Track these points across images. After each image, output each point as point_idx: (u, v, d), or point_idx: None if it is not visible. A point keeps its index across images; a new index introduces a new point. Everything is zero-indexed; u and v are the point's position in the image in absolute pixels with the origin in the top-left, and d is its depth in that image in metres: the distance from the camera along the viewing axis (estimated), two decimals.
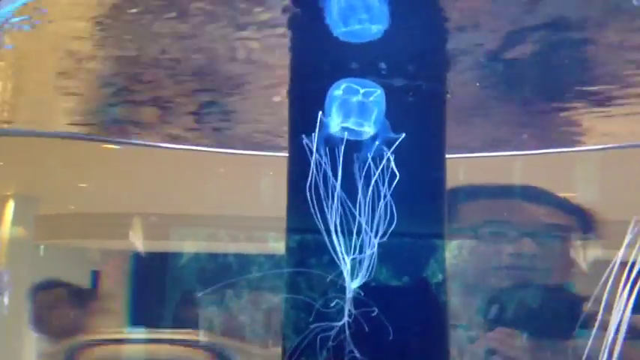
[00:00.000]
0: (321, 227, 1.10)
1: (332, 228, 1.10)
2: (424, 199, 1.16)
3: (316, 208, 1.11)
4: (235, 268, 3.22)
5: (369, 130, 1.10)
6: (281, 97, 1.60)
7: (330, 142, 1.12)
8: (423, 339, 1.13)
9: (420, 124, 1.16)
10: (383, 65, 1.16)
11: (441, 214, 1.21)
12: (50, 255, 3.12)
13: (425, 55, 1.21)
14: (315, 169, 1.11)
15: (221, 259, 3.22)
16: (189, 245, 3.22)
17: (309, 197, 1.18)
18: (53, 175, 2.57)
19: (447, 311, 1.19)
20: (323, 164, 1.11)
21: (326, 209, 1.11)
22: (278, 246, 3.12)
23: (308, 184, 1.12)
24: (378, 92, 1.09)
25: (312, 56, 1.24)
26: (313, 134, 1.11)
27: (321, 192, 1.11)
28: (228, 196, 2.76)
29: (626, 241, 1.04)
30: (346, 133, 1.11)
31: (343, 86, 1.10)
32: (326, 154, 1.11)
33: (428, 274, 1.15)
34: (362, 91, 1.10)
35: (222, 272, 3.23)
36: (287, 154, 1.30)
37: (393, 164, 1.09)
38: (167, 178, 2.63)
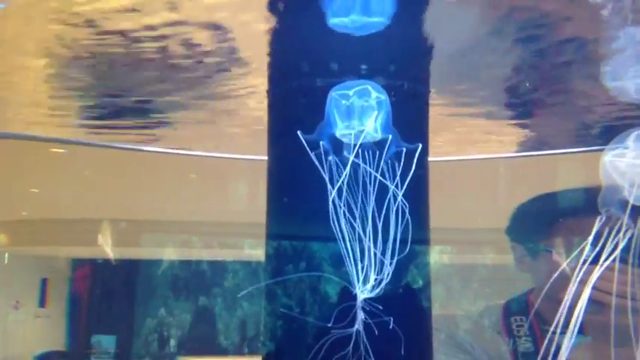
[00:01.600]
0: (337, 235, 1.08)
1: (341, 234, 1.08)
2: (406, 203, 1.14)
3: (320, 214, 1.10)
4: (209, 276, 3.18)
5: (374, 133, 1.08)
6: (257, 100, 1.58)
7: (333, 146, 1.10)
8: (405, 344, 1.11)
9: (402, 124, 1.14)
10: (364, 65, 1.15)
11: (423, 218, 1.19)
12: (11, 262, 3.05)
13: (407, 56, 1.20)
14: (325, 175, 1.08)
15: (194, 266, 3.18)
16: (160, 252, 3.17)
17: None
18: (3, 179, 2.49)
19: (429, 317, 1.18)
20: (326, 169, 1.09)
21: (334, 216, 1.09)
22: (254, 253, 3.11)
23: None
24: (376, 92, 1.08)
25: (291, 56, 1.22)
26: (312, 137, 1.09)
27: (330, 198, 1.09)
28: (202, 201, 2.72)
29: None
30: (350, 137, 1.09)
31: (352, 91, 1.08)
32: (329, 159, 1.09)
33: (408, 281, 1.14)
34: (351, 92, 1.08)
35: (196, 280, 3.19)
36: (266, 158, 1.28)
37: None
38: (137, 183, 2.58)
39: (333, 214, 1.09)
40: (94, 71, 1.45)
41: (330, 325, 1.10)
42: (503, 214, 1.68)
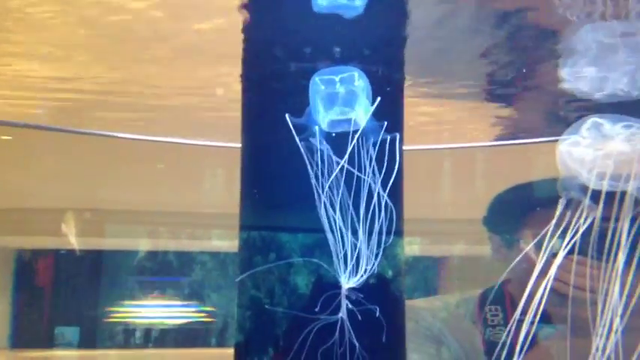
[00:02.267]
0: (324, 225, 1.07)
1: (327, 225, 1.07)
2: (383, 193, 1.14)
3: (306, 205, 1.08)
4: (176, 266, 3.15)
5: (358, 117, 1.07)
6: (224, 88, 1.55)
7: (320, 136, 1.08)
8: (377, 335, 1.11)
9: (376, 110, 1.14)
10: (337, 50, 1.14)
11: (396, 208, 1.19)
12: None
13: (382, 41, 1.19)
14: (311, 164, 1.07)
15: (160, 257, 3.14)
16: (126, 243, 3.12)
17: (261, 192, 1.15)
18: None
19: (401, 307, 1.17)
20: (314, 159, 1.07)
21: (320, 205, 1.08)
22: (223, 244, 3.08)
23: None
24: (356, 75, 1.06)
25: (265, 41, 1.20)
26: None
27: (315, 187, 1.08)
28: (170, 191, 2.68)
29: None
30: (335, 124, 1.07)
31: (322, 78, 1.07)
32: (317, 148, 1.08)
33: (378, 271, 1.14)
34: (337, 78, 1.07)
35: (162, 270, 3.15)
36: (239, 146, 1.26)
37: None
38: (102, 171, 2.53)
39: (318, 204, 1.08)
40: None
41: (301, 315, 1.09)
42: (481, 204, 1.69)
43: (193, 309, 3.21)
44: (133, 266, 3.17)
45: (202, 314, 3.18)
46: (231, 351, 1.21)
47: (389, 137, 1.08)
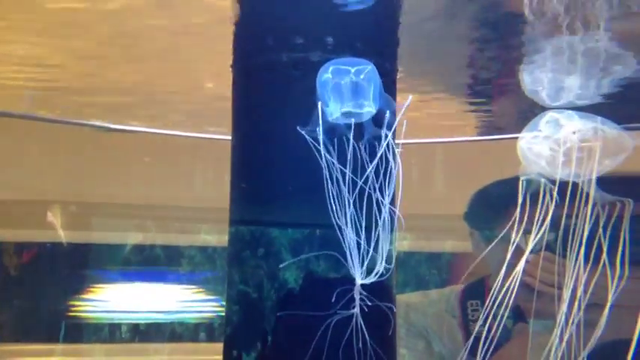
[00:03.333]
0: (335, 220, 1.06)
1: (338, 220, 1.07)
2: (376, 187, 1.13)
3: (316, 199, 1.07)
4: (164, 261, 3.13)
5: (369, 109, 1.06)
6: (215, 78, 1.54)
7: (330, 130, 1.07)
8: (366, 331, 1.11)
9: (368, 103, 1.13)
10: (330, 40, 1.13)
11: (389, 204, 1.18)
12: None
13: (374, 32, 1.18)
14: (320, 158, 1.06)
15: (148, 251, 3.12)
16: (113, 236, 3.10)
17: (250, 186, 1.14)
18: None
19: (393, 302, 1.17)
20: (325, 153, 1.06)
21: (332, 201, 1.07)
22: (210, 238, 3.07)
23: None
24: (369, 68, 1.05)
25: (256, 30, 1.19)
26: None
27: (328, 184, 1.07)
28: (157, 184, 2.66)
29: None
30: (347, 117, 1.06)
31: (331, 69, 1.06)
32: (329, 143, 1.07)
33: (368, 267, 1.13)
34: (353, 70, 1.06)
35: (149, 265, 3.14)
36: (230, 139, 1.24)
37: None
38: (88, 163, 2.51)
39: (330, 200, 1.07)
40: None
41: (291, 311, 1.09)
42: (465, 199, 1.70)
43: (182, 303, 3.20)
44: (120, 260, 3.15)
45: (192, 308, 3.17)
46: (220, 345, 1.21)
47: (382, 131, 1.08)
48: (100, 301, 3.14)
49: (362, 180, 1.07)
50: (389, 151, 1.08)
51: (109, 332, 3.19)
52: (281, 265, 1.12)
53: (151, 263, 3.12)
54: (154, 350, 3.21)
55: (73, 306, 3.08)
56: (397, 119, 1.07)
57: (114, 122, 2.06)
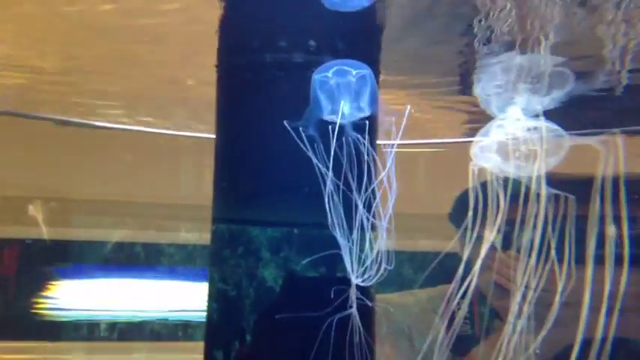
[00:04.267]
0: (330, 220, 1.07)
1: (331, 221, 1.07)
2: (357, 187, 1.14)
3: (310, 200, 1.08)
4: (143, 259, 3.11)
5: (363, 111, 1.07)
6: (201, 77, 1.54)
7: (321, 129, 1.08)
8: (344, 329, 1.12)
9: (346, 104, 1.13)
10: (312, 42, 1.14)
11: (370, 203, 1.19)
12: None
13: (357, 35, 1.19)
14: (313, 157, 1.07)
15: (127, 249, 3.10)
16: (93, 233, 3.08)
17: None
18: None
19: (371, 302, 1.18)
20: (310, 153, 1.07)
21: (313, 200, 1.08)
22: (189, 236, 3.06)
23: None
24: (366, 72, 1.07)
25: (240, 32, 1.19)
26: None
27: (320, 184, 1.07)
28: (138, 182, 2.65)
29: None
30: (339, 117, 1.08)
31: (328, 69, 1.06)
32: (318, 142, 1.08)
33: (345, 265, 1.14)
34: (354, 72, 1.07)
35: (129, 263, 3.12)
36: (213, 137, 1.24)
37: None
38: (69, 160, 2.49)
39: (328, 201, 1.07)
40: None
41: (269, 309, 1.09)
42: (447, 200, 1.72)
43: (162, 301, 3.18)
44: (100, 257, 3.13)
45: (172, 306, 3.16)
46: (199, 344, 1.21)
47: (366, 132, 1.09)
48: (78, 299, 3.11)
49: (343, 180, 1.08)
50: (374, 152, 1.09)
51: (87, 330, 3.17)
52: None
53: (131, 261, 3.10)
54: (133, 349, 3.19)
55: (51, 303, 3.06)
56: (392, 122, 1.09)
57: (96, 119, 2.05)
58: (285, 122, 1.08)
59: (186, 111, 1.86)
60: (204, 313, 1.21)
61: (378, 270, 1.10)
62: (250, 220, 1.15)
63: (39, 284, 3.08)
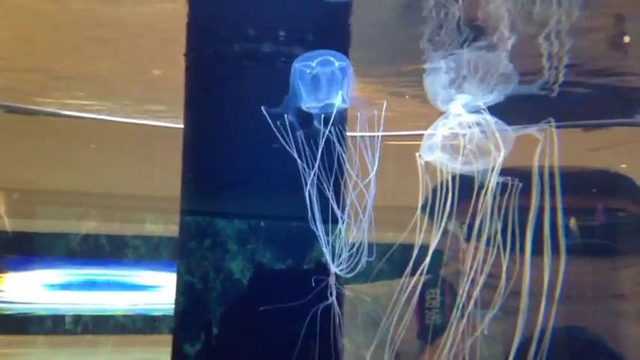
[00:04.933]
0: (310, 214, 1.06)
1: (309, 213, 1.07)
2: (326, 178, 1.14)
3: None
4: (108, 251, 3.07)
5: (340, 102, 1.07)
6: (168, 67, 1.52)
7: (299, 118, 1.07)
8: (310, 320, 1.12)
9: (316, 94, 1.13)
10: (281, 32, 1.12)
11: (336, 196, 1.19)
12: None
13: (326, 25, 1.18)
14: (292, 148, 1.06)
15: (92, 240, 3.06)
16: (57, 225, 3.03)
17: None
18: None
19: (339, 292, 1.18)
20: (292, 143, 1.06)
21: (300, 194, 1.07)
22: (155, 228, 3.03)
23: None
24: (339, 61, 1.06)
25: (209, 21, 1.18)
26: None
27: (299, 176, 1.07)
28: (103, 172, 2.60)
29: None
30: (317, 108, 1.07)
31: (318, 59, 1.06)
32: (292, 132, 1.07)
33: (313, 257, 1.14)
34: (337, 63, 1.06)
35: (93, 254, 3.08)
36: (181, 127, 1.23)
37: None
38: (32, 150, 2.43)
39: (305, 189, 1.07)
40: None
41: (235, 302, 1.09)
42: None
43: (127, 294, 3.15)
44: (64, 249, 3.08)
45: (137, 300, 3.13)
46: (165, 337, 1.20)
47: (335, 123, 1.09)
48: (42, 291, 3.06)
49: (314, 171, 1.08)
50: (344, 143, 1.09)
51: (52, 324, 3.12)
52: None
53: (96, 253, 3.06)
54: (98, 342, 3.16)
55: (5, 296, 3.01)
56: (368, 114, 1.09)
57: (61, 108, 2.00)
58: (263, 108, 1.07)
59: (154, 100, 1.84)
60: (171, 306, 1.20)
61: (355, 261, 1.10)
62: (217, 212, 1.14)
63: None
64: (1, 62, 1.61)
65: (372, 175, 1.10)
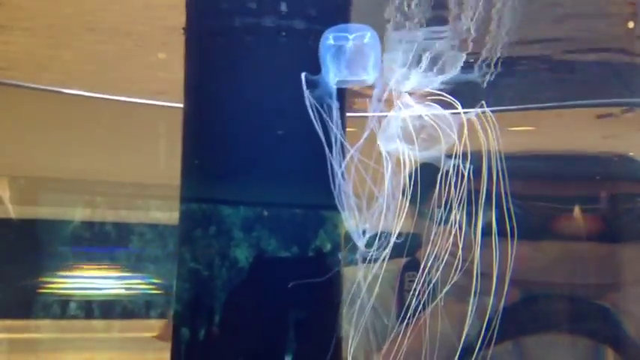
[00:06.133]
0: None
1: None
2: (315, 165, 1.13)
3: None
4: (114, 238, 3.08)
5: (368, 77, 1.05)
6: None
7: (326, 97, 1.06)
8: (313, 308, 1.12)
9: (319, 72, 1.10)
10: (283, 6, 1.09)
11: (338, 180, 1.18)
12: None
13: (329, 1, 1.15)
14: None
15: (97, 228, 3.06)
16: (61, 212, 3.03)
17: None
18: None
19: (338, 280, 1.18)
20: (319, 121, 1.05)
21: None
22: (160, 215, 3.03)
23: None
24: (369, 35, 1.04)
25: None
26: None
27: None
28: (107, 159, 2.59)
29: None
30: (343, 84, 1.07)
31: (333, 35, 1.04)
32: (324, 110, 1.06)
33: (317, 245, 1.14)
34: (351, 37, 1.04)
35: (99, 242, 3.08)
36: (182, 107, 1.21)
37: None
38: (37, 135, 2.42)
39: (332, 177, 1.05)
40: None
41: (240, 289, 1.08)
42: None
43: (132, 281, 3.16)
44: (69, 236, 3.09)
45: (141, 286, 3.14)
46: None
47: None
48: (50, 278, 3.08)
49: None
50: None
51: (58, 309, 3.14)
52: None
53: (101, 240, 3.07)
54: (104, 327, 3.17)
55: (44, 282, 3.02)
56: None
57: (68, 88, 1.98)
58: (303, 75, 1.04)
59: (158, 80, 1.82)
60: (175, 293, 1.20)
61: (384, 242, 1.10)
62: (222, 200, 1.13)
63: (6, 263, 3.03)
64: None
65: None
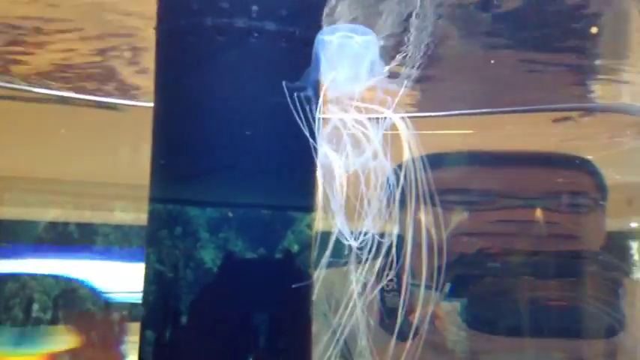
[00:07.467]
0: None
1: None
2: (284, 165, 1.12)
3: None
4: (77, 238, 3.03)
5: (363, 79, 1.05)
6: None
7: (301, 98, 1.05)
8: (280, 310, 1.11)
9: (293, 74, 1.10)
10: (255, 7, 1.08)
11: (308, 184, 1.18)
12: None
13: (300, 2, 1.14)
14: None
15: (61, 228, 3.01)
16: (23, 212, 2.98)
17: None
18: None
19: (307, 281, 1.18)
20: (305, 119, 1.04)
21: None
22: (125, 216, 2.99)
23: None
24: (369, 38, 1.04)
25: None
26: None
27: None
28: (72, 158, 2.55)
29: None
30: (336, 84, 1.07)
31: (338, 34, 1.03)
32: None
33: (285, 246, 1.13)
34: (356, 37, 1.04)
35: (62, 242, 3.03)
36: (152, 106, 1.19)
37: None
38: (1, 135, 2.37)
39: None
40: None
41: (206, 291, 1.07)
42: None
43: (96, 282, 3.11)
44: (32, 236, 3.03)
45: (107, 288, 3.10)
46: (135, 325, 1.18)
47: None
48: (12, 279, 3.02)
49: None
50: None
51: (20, 312, 3.08)
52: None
53: (64, 241, 3.02)
54: (67, 330, 3.12)
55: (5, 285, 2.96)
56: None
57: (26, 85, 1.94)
58: (284, 83, 1.04)
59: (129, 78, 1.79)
60: (140, 295, 1.18)
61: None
62: (189, 200, 1.12)
63: None
64: None
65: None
